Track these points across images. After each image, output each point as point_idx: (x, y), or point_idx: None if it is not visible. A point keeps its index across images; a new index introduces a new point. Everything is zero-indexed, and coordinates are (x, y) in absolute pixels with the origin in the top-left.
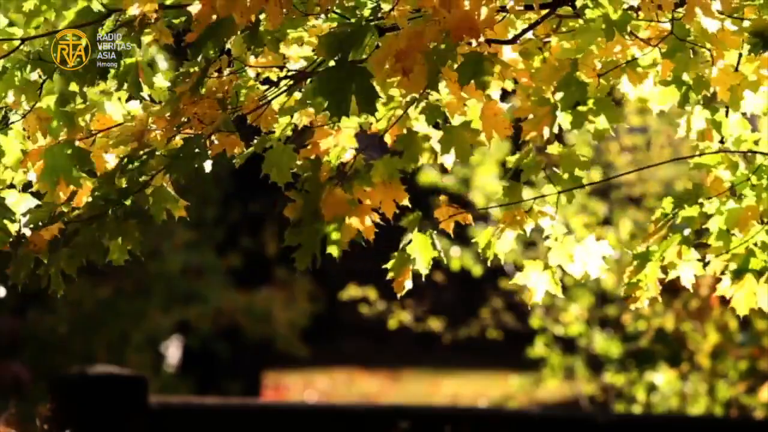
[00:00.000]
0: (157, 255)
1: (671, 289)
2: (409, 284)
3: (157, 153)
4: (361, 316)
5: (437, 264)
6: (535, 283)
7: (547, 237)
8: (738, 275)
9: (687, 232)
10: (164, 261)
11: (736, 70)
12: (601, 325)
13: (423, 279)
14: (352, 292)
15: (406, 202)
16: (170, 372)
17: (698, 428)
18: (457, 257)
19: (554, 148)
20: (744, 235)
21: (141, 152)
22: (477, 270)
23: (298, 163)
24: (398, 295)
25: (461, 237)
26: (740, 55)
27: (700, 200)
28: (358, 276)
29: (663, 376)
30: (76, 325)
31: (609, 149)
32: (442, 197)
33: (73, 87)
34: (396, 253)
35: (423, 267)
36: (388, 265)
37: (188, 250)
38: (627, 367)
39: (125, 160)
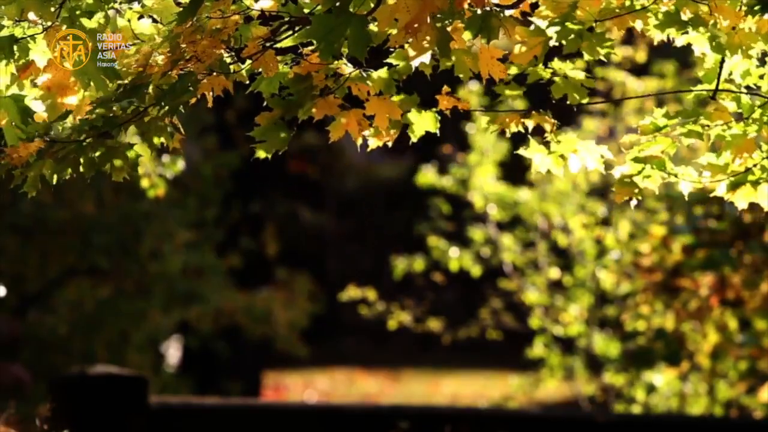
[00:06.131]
0: (158, 255)
1: (671, 289)
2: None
3: (153, 86)
4: (361, 316)
5: (437, 264)
6: (539, 160)
7: (548, 141)
8: (735, 186)
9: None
10: (164, 261)
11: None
12: (601, 325)
13: (423, 280)
14: (352, 292)
15: (398, 117)
16: (170, 372)
17: (698, 428)
18: (456, 258)
19: (546, 72)
20: (743, 162)
21: (137, 83)
22: (476, 270)
23: (290, 77)
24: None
25: (460, 238)
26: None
27: (702, 121)
28: (358, 276)
29: (662, 376)
30: (76, 325)
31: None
32: (445, 87)
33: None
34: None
35: (414, 135)
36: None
37: (188, 251)
38: (626, 367)
39: (120, 89)
